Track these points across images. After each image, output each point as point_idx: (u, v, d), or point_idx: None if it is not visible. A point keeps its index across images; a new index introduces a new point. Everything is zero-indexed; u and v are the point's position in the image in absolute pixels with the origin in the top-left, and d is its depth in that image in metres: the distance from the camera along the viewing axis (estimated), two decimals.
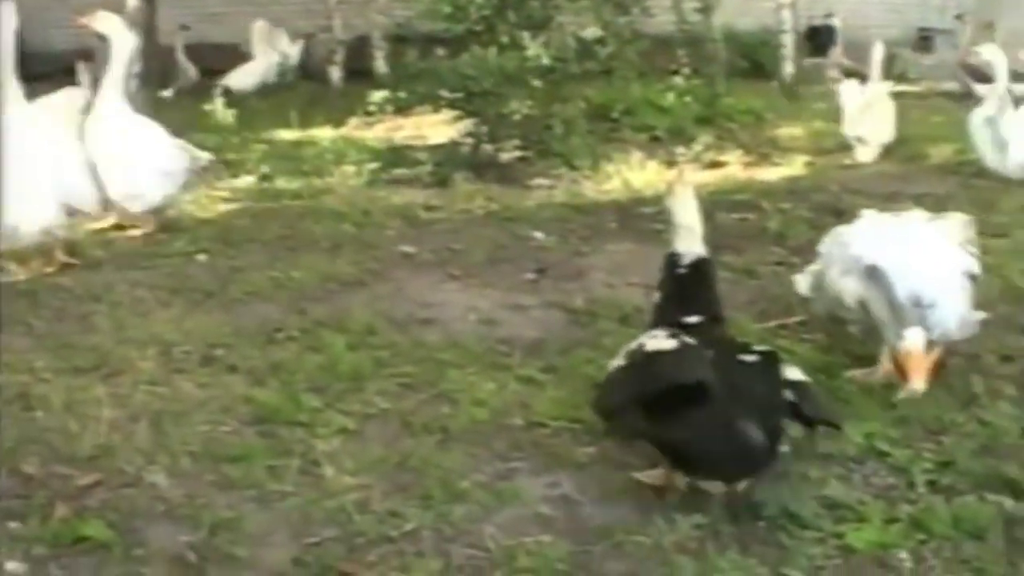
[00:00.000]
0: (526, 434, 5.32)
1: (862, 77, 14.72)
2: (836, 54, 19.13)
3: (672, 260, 5.22)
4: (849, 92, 12.38)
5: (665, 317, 5.13)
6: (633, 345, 4.98)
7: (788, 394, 4.59)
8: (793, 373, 4.73)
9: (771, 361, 4.72)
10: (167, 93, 16.75)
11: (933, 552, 4.44)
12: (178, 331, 6.57)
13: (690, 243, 5.20)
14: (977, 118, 10.86)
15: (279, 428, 5.39)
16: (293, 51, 18.89)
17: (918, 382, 5.38)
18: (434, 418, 5.49)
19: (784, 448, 5.02)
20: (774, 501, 4.69)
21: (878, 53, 12.30)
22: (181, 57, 17.95)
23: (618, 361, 4.96)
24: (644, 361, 4.84)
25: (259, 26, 18.18)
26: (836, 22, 18.28)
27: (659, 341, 4.89)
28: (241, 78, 17.49)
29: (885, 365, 5.84)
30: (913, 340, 5.45)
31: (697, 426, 4.51)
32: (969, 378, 5.89)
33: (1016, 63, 12.06)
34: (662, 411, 4.56)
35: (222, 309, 7.05)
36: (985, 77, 14.49)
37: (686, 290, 5.19)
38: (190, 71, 18.02)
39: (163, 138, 8.94)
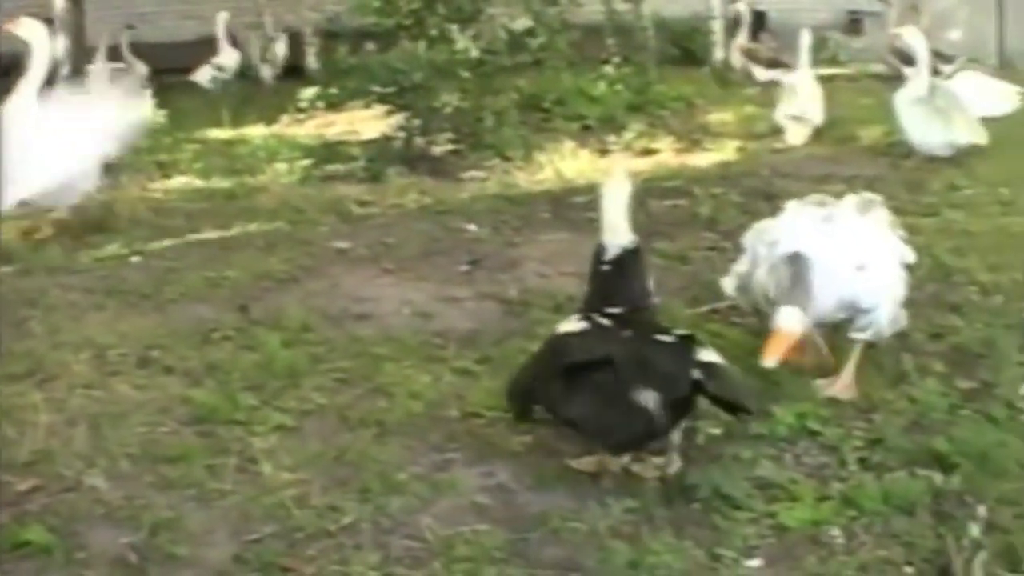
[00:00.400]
0: (461, 425, 5.38)
1: (772, 62, 14.99)
2: (765, 39, 19.23)
3: (597, 252, 5.27)
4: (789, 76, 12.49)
5: (591, 307, 5.17)
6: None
7: (696, 373, 4.67)
8: (708, 355, 4.81)
9: (685, 343, 4.83)
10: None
11: (864, 528, 4.55)
12: (113, 334, 6.56)
13: (615, 235, 5.23)
14: (902, 99, 10.96)
15: (217, 427, 5.42)
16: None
17: (770, 359, 5.23)
18: (370, 412, 5.54)
19: (715, 431, 5.14)
20: (707, 483, 4.77)
21: (805, 39, 12.39)
22: (128, 56, 17.76)
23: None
24: (552, 343, 5.01)
25: (223, 17, 18.05)
26: (743, 8, 18.15)
27: (570, 324, 5.05)
28: (207, 73, 17.43)
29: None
30: (786, 318, 5.27)
31: (592, 396, 4.66)
32: (899, 356, 5.99)
33: (941, 45, 12.22)
34: (564, 389, 4.70)
35: (157, 310, 7.04)
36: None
37: (609, 282, 5.23)
38: (139, 69, 17.84)
39: (81, 131, 8.91)
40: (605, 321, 4.99)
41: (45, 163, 8.41)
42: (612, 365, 4.63)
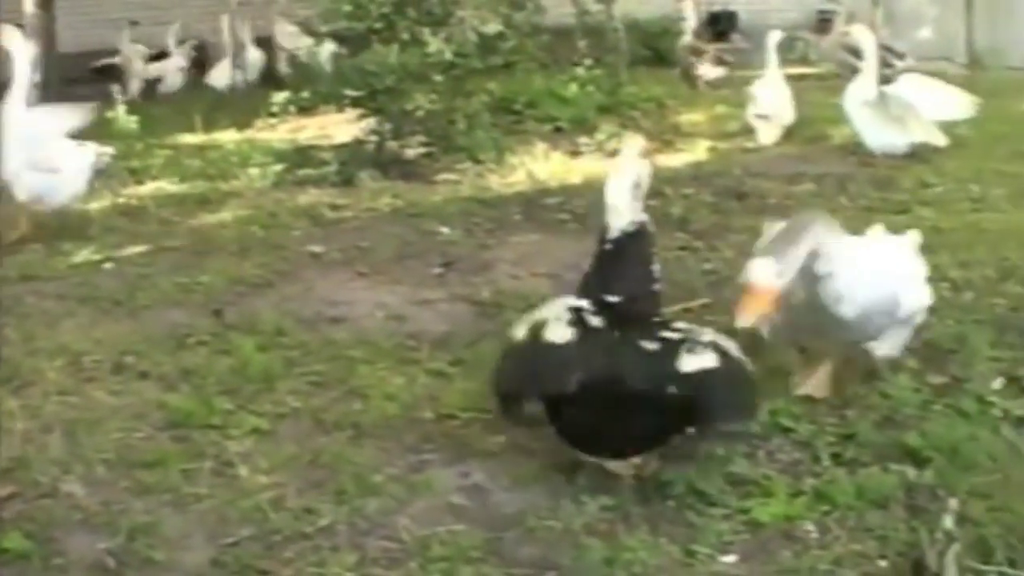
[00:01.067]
0: (436, 426, 5.39)
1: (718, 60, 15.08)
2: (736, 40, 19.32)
3: (600, 234, 5.11)
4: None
5: (588, 291, 5.04)
6: (538, 315, 5.02)
7: (672, 388, 4.62)
8: (694, 362, 4.69)
9: (670, 350, 4.72)
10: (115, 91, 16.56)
11: (837, 522, 4.57)
12: (88, 340, 6.57)
13: (616, 217, 5.02)
14: (851, 100, 11.03)
15: (192, 432, 5.42)
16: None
17: (744, 318, 4.99)
18: (345, 414, 5.55)
19: (690, 428, 5.15)
20: (681, 480, 4.79)
21: (773, 39, 12.43)
22: (128, 53, 17.70)
23: (520, 331, 4.99)
24: (540, 352, 4.89)
25: (174, 29, 18.05)
26: (687, 8, 18.17)
27: (559, 329, 4.87)
28: (218, 76, 17.47)
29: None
30: (759, 271, 4.95)
31: (572, 420, 4.77)
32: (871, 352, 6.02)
33: (910, 43, 12.29)
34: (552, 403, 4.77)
35: (131, 316, 7.05)
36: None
37: (607, 267, 5.05)
38: (140, 70, 17.80)
39: (64, 139, 8.97)
40: (595, 321, 4.88)
41: (40, 165, 8.50)
42: (584, 394, 4.66)
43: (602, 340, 4.81)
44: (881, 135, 10.78)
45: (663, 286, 5.12)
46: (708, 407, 4.69)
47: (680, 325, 4.94)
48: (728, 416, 4.82)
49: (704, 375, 4.68)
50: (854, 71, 14.10)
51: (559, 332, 4.86)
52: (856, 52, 14.63)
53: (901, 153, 10.65)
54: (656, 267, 5.06)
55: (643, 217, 5.03)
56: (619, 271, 5.00)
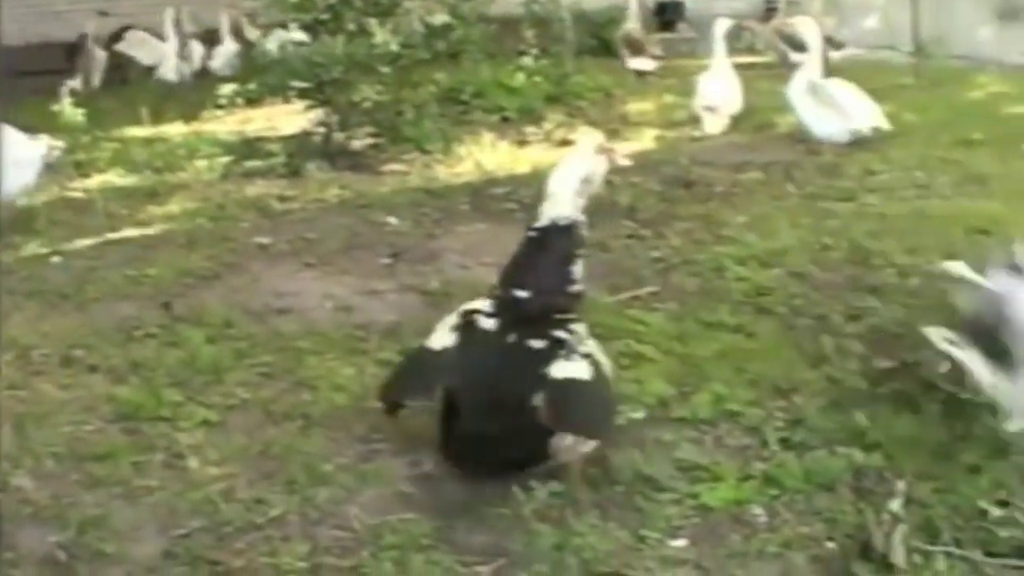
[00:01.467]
0: (386, 416, 5.39)
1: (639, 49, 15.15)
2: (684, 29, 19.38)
3: (529, 222, 5.10)
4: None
5: (504, 280, 5.05)
6: (452, 319, 5.05)
7: (537, 400, 4.57)
8: (569, 369, 4.67)
9: (546, 354, 4.71)
10: (75, 84, 16.41)
11: (786, 506, 4.62)
12: (36, 334, 6.55)
13: (552, 205, 4.98)
14: (795, 89, 11.09)
15: (142, 424, 5.42)
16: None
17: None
18: (295, 405, 5.56)
19: (638, 415, 5.19)
20: (630, 466, 4.83)
21: (720, 28, 12.45)
22: (93, 46, 17.53)
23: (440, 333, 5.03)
24: (416, 359, 5.13)
25: (91, 26, 17.88)
26: None
27: (441, 335, 4.98)
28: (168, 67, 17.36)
29: None
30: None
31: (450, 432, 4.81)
32: (818, 338, 6.06)
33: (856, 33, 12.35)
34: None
35: (79, 310, 7.02)
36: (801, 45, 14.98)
37: (526, 257, 5.00)
38: (100, 60, 17.62)
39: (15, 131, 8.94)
40: (487, 324, 4.87)
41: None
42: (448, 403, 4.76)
43: (482, 345, 4.82)
44: (824, 123, 10.84)
45: (583, 288, 5.08)
46: (565, 417, 4.60)
47: (576, 328, 4.85)
48: (581, 430, 4.68)
49: (572, 384, 4.66)
50: (788, 61, 14.31)
51: (440, 338, 4.93)
52: (792, 42, 14.83)
53: (844, 141, 10.71)
54: (577, 269, 4.99)
55: (578, 216, 4.99)
56: (535, 263, 4.96)
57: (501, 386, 4.67)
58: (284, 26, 12.97)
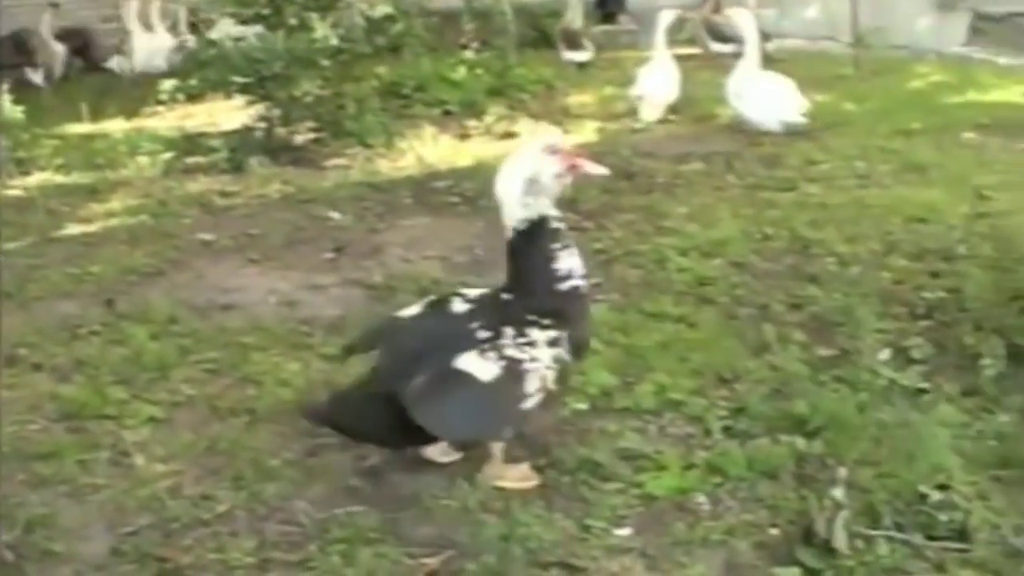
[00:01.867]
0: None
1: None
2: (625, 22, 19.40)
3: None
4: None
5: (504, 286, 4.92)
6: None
7: (419, 379, 4.51)
8: (468, 364, 4.56)
9: (459, 346, 4.62)
10: (36, 79, 16.29)
11: (729, 493, 4.68)
12: None
13: (508, 215, 4.83)
14: (735, 80, 11.18)
15: (87, 422, 5.42)
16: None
17: None
18: (240, 401, 5.58)
19: (581, 405, 5.23)
20: (574, 456, 4.86)
21: (663, 20, 12.47)
22: (49, 40, 17.34)
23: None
24: (388, 321, 5.18)
25: (46, 18, 17.72)
26: None
27: (414, 308, 5.02)
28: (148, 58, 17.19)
29: None
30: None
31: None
32: (760, 327, 6.12)
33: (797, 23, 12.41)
34: None
35: (22, 308, 6.98)
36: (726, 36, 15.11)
37: (509, 264, 4.91)
38: (60, 53, 17.44)
39: None
40: (458, 307, 4.79)
41: None
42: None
43: (434, 320, 4.81)
44: (756, 115, 10.94)
45: (578, 284, 4.86)
46: (423, 406, 4.48)
47: (534, 334, 4.68)
48: (435, 424, 4.56)
49: (455, 378, 4.56)
50: (711, 52, 14.44)
51: (412, 309, 4.95)
52: (716, 32, 14.95)
53: (780, 132, 10.79)
54: (561, 266, 4.81)
55: (541, 212, 4.80)
56: (516, 268, 4.86)
57: (408, 358, 4.61)
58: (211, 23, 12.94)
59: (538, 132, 5.12)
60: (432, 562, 4.29)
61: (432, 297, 5.09)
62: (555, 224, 4.83)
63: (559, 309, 4.77)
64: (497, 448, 4.79)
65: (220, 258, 7.84)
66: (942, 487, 4.49)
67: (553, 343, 4.68)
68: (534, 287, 4.80)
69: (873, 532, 4.29)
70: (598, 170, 5.05)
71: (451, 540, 4.39)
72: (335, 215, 8.76)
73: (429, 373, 4.50)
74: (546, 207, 4.81)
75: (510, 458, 4.85)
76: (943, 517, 4.34)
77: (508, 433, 4.72)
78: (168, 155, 11.13)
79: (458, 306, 4.82)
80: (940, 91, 13.57)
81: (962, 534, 4.31)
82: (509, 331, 4.64)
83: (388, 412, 4.50)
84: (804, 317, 6.40)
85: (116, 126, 12.89)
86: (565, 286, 4.81)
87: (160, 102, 13.36)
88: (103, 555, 4.40)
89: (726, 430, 5.14)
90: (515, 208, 4.78)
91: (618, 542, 4.38)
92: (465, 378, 4.53)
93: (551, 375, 4.66)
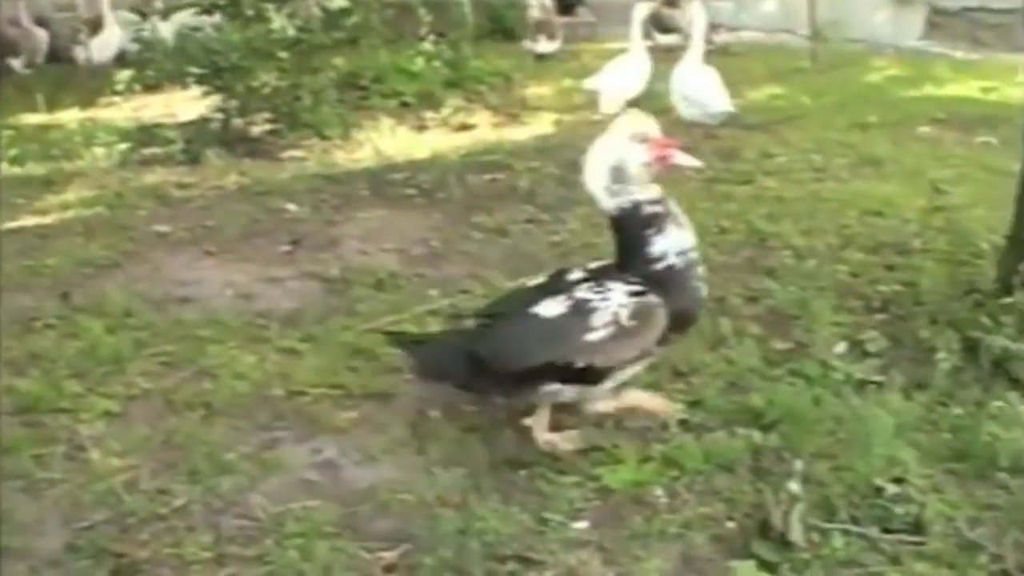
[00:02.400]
0: (288, 403, 5.42)
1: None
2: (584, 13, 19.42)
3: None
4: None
5: None
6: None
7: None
8: (545, 307, 4.74)
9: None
10: (17, 64, 16.17)
11: (686, 486, 4.69)
12: None
13: (602, 204, 4.89)
14: (682, 70, 11.25)
15: (42, 416, 5.37)
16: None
17: None
18: (196, 394, 5.55)
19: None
20: (531, 449, 4.87)
21: (639, 13, 12.46)
22: (30, 25, 17.17)
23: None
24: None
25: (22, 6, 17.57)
26: None
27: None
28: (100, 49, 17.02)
29: None
30: None
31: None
32: (716, 320, 6.12)
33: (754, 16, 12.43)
34: None
35: None
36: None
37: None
38: (42, 39, 17.28)
39: None
40: (574, 275, 4.91)
41: None
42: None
43: (546, 286, 4.99)
44: (687, 108, 11.04)
45: (673, 262, 4.83)
46: (489, 343, 4.83)
47: (616, 286, 4.74)
48: (509, 358, 4.74)
49: (526, 320, 4.77)
50: (657, 43, 14.49)
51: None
52: (661, 26, 15.04)
53: (714, 123, 10.88)
54: (656, 248, 4.79)
55: (632, 199, 4.78)
56: (615, 246, 4.94)
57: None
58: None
59: (628, 118, 4.94)
60: (389, 556, 4.29)
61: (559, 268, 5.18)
62: (650, 209, 4.79)
63: (653, 285, 4.76)
64: (546, 405, 4.90)
65: (176, 250, 7.80)
66: (897, 480, 4.53)
67: (634, 294, 4.72)
68: (630, 267, 4.83)
69: (829, 525, 4.32)
70: (691, 162, 5.00)
71: (408, 534, 4.39)
72: (291, 207, 8.71)
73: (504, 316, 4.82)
74: (638, 193, 4.77)
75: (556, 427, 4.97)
76: (898, 510, 4.37)
77: (579, 362, 4.70)
78: (124, 146, 11.06)
79: (574, 274, 4.91)
80: (897, 85, 13.64)
81: (917, 527, 4.34)
82: (591, 284, 4.77)
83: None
84: (760, 310, 6.42)
85: (71, 116, 12.83)
86: (659, 267, 4.79)
87: (116, 92, 13.30)
88: (59, 550, 4.38)
89: (682, 423, 5.14)
90: (602, 197, 4.81)
91: (575, 535, 4.39)
92: (529, 316, 4.71)
93: (624, 312, 4.66)
